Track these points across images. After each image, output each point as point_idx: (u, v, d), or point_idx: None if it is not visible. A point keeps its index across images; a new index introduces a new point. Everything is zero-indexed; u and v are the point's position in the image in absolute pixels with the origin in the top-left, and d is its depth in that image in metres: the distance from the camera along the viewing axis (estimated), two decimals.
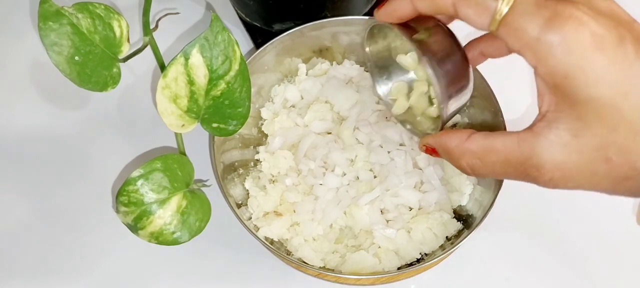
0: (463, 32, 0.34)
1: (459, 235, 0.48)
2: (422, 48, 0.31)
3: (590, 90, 0.25)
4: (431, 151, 0.34)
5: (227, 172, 0.49)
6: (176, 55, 0.42)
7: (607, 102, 0.25)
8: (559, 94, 0.26)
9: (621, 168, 0.26)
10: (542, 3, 0.26)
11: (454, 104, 0.33)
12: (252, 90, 0.45)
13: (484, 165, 0.30)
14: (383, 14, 0.33)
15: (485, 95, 0.47)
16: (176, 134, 0.45)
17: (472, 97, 0.34)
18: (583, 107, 0.25)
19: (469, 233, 0.45)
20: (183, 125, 0.44)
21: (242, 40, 0.59)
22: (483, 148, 0.29)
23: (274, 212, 0.49)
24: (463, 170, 0.31)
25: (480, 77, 0.47)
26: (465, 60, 0.32)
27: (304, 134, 0.52)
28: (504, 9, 0.26)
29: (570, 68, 0.25)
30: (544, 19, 0.25)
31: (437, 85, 0.31)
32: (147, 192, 0.42)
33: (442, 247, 0.47)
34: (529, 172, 0.28)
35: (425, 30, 0.32)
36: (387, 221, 0.48)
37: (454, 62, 0.32)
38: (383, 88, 0.43)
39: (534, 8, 0.26)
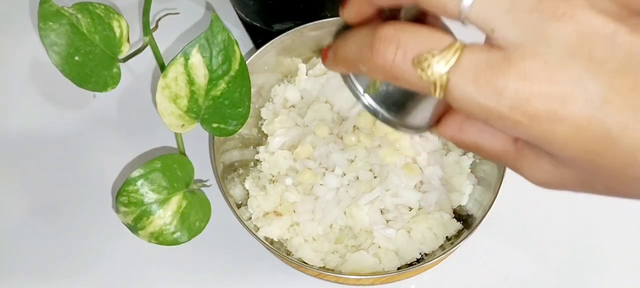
0: None
1: (459, 235, 0.48)
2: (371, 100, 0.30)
3: (561, 152, 0.23)
4: None
5: (227, 172, 0.49)
6: (176, 55, 0.42)
7: (581, 158, 0.23)
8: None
9: (609, 194, 0.24)
10: (486, 70, 0.22)
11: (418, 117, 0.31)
12: (252, 90, 0.45)
13: (478, 154, 0.29)
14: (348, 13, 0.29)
15: None
16: (176, 134, 0.45)
17: None
18: (558, 158, 0.24)
19: (469, 234, 0.45)
20: (183, 125, 0.44)
21: (242, 40, 0.59)
22: (474, 144, 0.28)
23: (274, 212, 0.49)
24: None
25: None
26: None
27: (304, 134, 0.52)
28: (442, 78, 0.23)
29: (535, 138, 0.23)
30: (491, 92, 0.22)
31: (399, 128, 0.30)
32: (147, 192, 0.42)
33: (442, 247, 0.47)
34: (516, 172, 0.27)
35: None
36: (387, 221, 0.48)
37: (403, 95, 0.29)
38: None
39: (476, 80, 0.23)
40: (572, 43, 0.22)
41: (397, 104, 0.29)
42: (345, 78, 0.30)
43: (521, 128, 0.23)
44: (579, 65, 0.22)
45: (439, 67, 0.23)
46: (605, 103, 0.21)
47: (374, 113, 0.30)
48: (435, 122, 0.30)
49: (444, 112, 0.30)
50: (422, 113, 0.30)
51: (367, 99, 0.30)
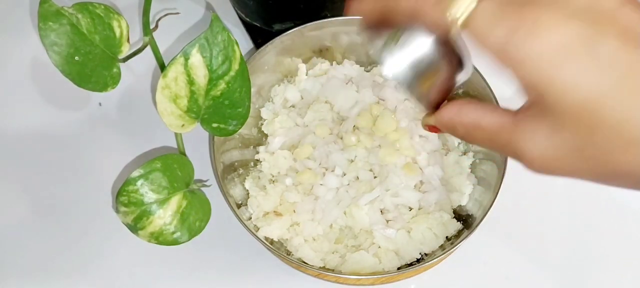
0: None
1: (459, 235, 0.48)
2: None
3: (562, 100, 0.24)
4: (432, 128, 0.33)
5: (227, 172, 0.49)
6: (176, 55, 0.42)
7: (581, 109, 0.24)
8: (534, 97, 0.26)
9: (603, 168, 0.25)
10: (506, 9, 0.25)
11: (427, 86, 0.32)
12: (252, 90, 0.45)
13: (474, 138, 0.30)
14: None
15: (484, 95, 0.47)
16: (176, 134, 0.45)
17: (471, 95, 0.32)
18: (557, 112, 0.25)
19: (469, 234, 0.45)
20: (183, 125, 0.44)
21: (242, 40, 0.59)
22: (472, 123, 0.29)
23: (274, 212, 0.49)
24: (460, 137, 0.31)
25: (478, 76, 0.47)
26: (436, 49, 0.31)
27: (304, 134, 0.52)
28: (465, 13, 0.25)
29: (539, 80, 0.24)
30: (508, 28, 0.24)
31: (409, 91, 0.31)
32: (147, 192, 0.42)
33: (442, 247, 0.47)
34: (512, 154, 0.28)
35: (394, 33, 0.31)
36: (387, 221, 0.48)
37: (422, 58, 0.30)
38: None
39: (495, 17, 0.25)
40: (588, 1, 0.24)
41: (408, 66, 0.31)
42: (365, 28, 0.31)
43: (526, 69, 0.24)
44: (588, 22, 0.24)
45: (466, 2, 0.25)
46: (608, 60, 0.23)
47: (384, 65, 0.31)
48: (435, 108, 0.32)
49: (442, 100, 0.32)
50: (427, 84, 0.31)
51: (384, 52, 0.31)
